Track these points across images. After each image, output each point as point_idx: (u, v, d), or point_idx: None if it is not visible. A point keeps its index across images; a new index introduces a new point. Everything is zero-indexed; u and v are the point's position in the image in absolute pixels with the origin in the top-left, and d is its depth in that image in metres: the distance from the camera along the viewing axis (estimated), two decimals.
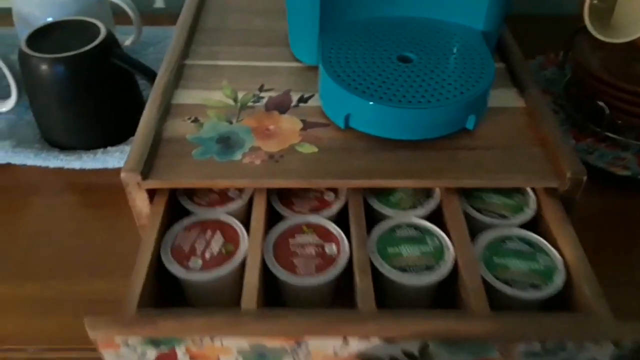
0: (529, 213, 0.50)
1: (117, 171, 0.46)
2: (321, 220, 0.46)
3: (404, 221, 0.47)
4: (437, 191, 0.51)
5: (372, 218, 0.48)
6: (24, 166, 0.66)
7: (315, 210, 0.49)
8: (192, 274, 0.42)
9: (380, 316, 0.37)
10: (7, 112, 0.70)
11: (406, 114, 0.49)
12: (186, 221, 0.47)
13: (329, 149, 0.50)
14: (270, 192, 0.50)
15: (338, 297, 0.46)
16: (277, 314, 0.36)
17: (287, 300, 0.45)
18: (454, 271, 0.43)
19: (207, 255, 0.43)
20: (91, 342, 0.48)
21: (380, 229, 0.46)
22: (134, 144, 0.49)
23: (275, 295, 0.45)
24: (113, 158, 0.65)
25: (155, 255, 0.43)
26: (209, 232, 0.45)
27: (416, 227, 0.47)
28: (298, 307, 0.45)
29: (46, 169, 0.65)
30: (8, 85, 0.67)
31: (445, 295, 0.45)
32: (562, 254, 0.45)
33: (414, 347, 0.36)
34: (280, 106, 0.55)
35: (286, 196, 0.51)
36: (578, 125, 0.69)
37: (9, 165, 0.66)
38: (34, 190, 0.64)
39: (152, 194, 0.48)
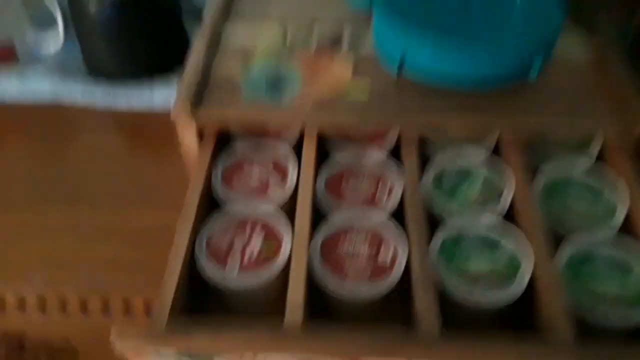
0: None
1: (164, 111, 0.46)
2: (374, 221, 0.42)
3: (471, 224, 0.42)
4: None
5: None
6: (73, 103, 0.66)
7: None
8: (229, 280, 0.38)
9: (449, 342, 0.33)
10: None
11: (466, 55, 0.46)
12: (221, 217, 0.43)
13: (382, 96, 0.49)
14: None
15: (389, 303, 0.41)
16: (329, 330, 0.32)
17: (330, 309, 0.41)
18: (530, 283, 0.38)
19: (246, 258, 0.39)
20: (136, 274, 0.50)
21: (444, 232, 0.41)
22: (183, 81, 0.49)
23: (315, 300, 0.39)
24: (159, 96, 0.65)
25: (189, 253, 0.39)
26: (248, 229, 0.41)
27: (486, 235, 0.41)
28: (343, 316, 0.42)
29: (93, 109, 0.66)
30: (55, 22, 0.68)
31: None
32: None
33: None
34: (332, 50, 0.53)
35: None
36: None
37: (57, 103, 0.66)
38: (82, 125, 0.65)
39: (200, 135, 0.48)
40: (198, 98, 0.47)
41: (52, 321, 0.53)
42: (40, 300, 0.52)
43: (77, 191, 0.57)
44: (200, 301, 0.42)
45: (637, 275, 0.39)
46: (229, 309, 0.42)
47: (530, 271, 0.38)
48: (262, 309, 0.42)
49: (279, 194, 0.44)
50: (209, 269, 0.39)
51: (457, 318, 0.39)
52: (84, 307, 0.53)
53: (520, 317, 0.40)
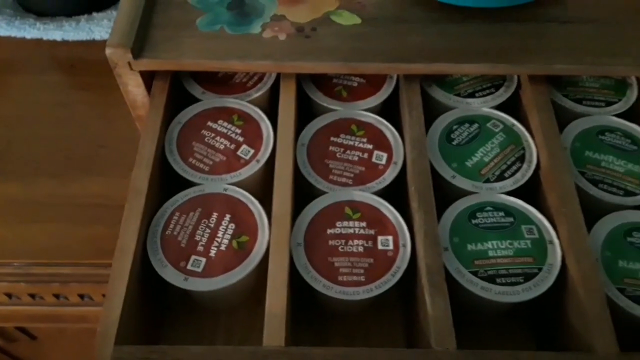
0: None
1: (105, 44, 0.35)
2: (370, 198, 0.34)
3: (487, 200, 0.34)
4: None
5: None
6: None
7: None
8: (192, 282, 0.30)
9: None
10: None
11: None
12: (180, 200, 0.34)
13: (376, 20, 0.38)
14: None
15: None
16: (312, 358, 0.26)
17: (322, 307, 0.35)
18: (562, 270, 0.31)
19: (213, 252, 0.31)
20: (85, 256, 0.42)
21: (453, 210, 0.33)
22: (121, 9, 0.37)
23: (305, 294, 0.32)
24: (100, 27, 0.53)
25: (140, 254, 0.31)
26: (214, 216, 0.32)
27: (505, 210, 0.33)
28: (334, 315, 0.36)
29: (22, 40, 0.53)
30: None
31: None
32: None
33: None
34: None
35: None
36: None
37: None
38: (10, 67, 0.53)
39: (149, 76, 0.37)
40: (140, 34, 0.36)
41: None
42: None
43: (7, 157, 0.46)
44: (159, 295, 0.35)
45: None
46: (196, 303, 0.35)
47: (560, 260, 0.32)
48: (237, 303, 0.35)
49: (250, 165, 0.35)
50: (166, 273, 0.31)
51: (467, 317, 0.33)
52: (31, 294, 0.45)
53: (543, 312, 0.34)
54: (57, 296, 0.48)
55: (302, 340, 0.34)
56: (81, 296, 0.47)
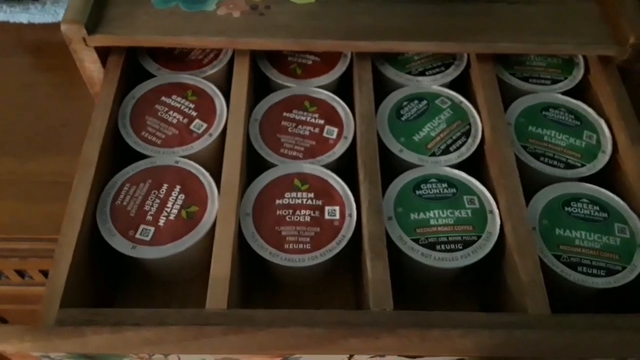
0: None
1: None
2: (319, 170, 0.35)
3: (431, 172, 0.35)
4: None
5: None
6: None
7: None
8: (140, 250, 0.31)
9: (401, 323, 0.28)
10: None
11: None
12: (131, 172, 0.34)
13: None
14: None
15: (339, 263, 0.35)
16: (255, 320, 0.27)
17: (272, 274, 0.36)
18: (500, 238, 0.33)
19: (162, 222, 0.32)
20: (47, 232, 0.42)
21: (399, 182, 0.34)
22: None
23: (255, 262, 0.33)
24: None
25: (90, 217, 0.32)
26: (164, 187, 0.33)
27: (448, 182, 0.35)
28: (287, 283, 0.36)
29: None
30: None
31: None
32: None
33: None
34: None
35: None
36: None
37: None
38: None
39: (105, 53, 0.38)
40: (95, 11, 0.37)
41: None
42: None
43: None
44: (110, 265, 0.35)
45: (617, 228, 0.34)
46: (147, 273, 0.36)
47: (498, 228, 0.33)
48: (187, 272, 0.36)
49: (202, 139, 0.36)
50: (115, 241, 0.32)
51: (411, 283, 0.34)
52: None
53: (486, 278, 0.35)
54: (22, 275, 0.48)
55: (253, 307, 0.35)
56: (45, 274, 0.48)
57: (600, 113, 0.38)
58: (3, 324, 0.62)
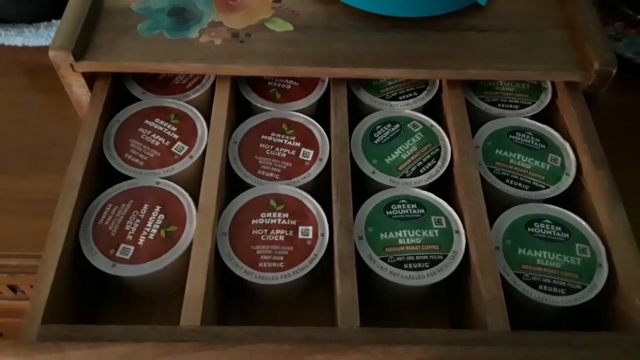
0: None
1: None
2: (294, 192, 0.36)
3: (401, 194, 0.37)
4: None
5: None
6: None
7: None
8: (120, 268, 0.33)
9: (366, 340, 0.29)
10: None
11: None
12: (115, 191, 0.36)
13: (308, 28, 0.41)
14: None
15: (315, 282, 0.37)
16: (225, 337, 0.28)
17: (249, 293, 0.37)
18: (465, 257, 0.34)
19: (141, 241, 0.33)
20: (36, 248, 0.44)
21: (371, 202, 0.36)
22: (66, 15, 0.40)
23: (231, 280, 0.35)
24: None
25: (73, 236, 0.33)
26: (145, 207, 0.35)
27: (417, 202, 0.36)
28: (263, 301, 0.38)
29: None
30: None
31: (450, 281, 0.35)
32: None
33: None
34: None
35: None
36: (607, 5, 0.58)
37: None
38: None
39: (92, 78, 0.40)
40: (83, 38, 0.39)
41: None
42: None
43: None
44: (93, 283, 0.37)
45: (579, 248, 0.35)
46: (129, 291, 0.37)
47: (464, 247, 0.34)
48: (167, 290, 0.37)
49: (183, 160, 0.38)
50: (96, 259, 0.33)
51: (382, 301, 0.35)
52: None
53: (454, 296, 0.37)
54: (13, 290, 0.50)
55: (230, 324, 0.37)
56: None
57: (566, 137, 0.40)
58: None
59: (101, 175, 0.37)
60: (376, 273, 0.33)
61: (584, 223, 0.36)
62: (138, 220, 0.35)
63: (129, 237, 0.34)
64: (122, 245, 0.34)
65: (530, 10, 0.43)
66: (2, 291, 0.50)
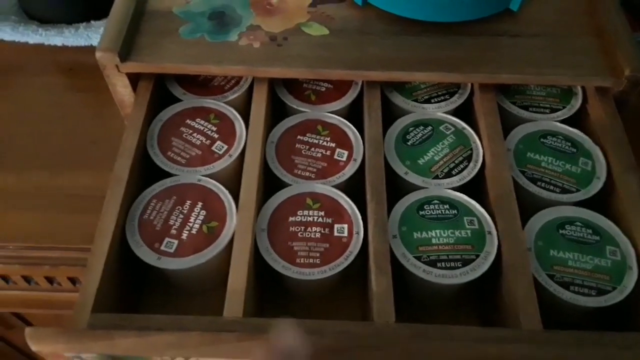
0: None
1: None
2: (330, 191, 0.37)
3: (434, 194, 0.37)
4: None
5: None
6: (1, 42, 0.58)
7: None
8: (165, 261, 0.34)
9: (402, 335, 0.30)
10: None
11: None
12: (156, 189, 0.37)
13: (342, 31, 0.42)
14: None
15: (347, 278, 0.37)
16: (267, 328, 0.28)
17: (286, 287, 0.38)
18: (497, 257, 0.35)
19: (185, 235, 0.35)
20: (76, 242, 0.46)
21: (404, 202, 0.37)
22: (111, 17, 0.41)
23: (268, 274, 0.36)
24: (97, 34, 0.57)
25: (120, 230, 0.35)
26: (188, 203, 0.36)
27: (450, 203, 0.37)
28: (298, 295, 0.39)
29: (25, 45, 0.58)
30: None
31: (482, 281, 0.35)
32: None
33: None
34: None
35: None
36: (632, 12, 0.58)
37: None
38: (13, 68, 0.57)
39: (135, 78, 0.41)
40: (128, 40, 0.40)
41: None
42: None
43: (5, 150, 0.50)
44: (137, 275, 0.38)
45: (609, 250, 0.36)
46: (170, 283, 0.39)
47: (496, 248, 0.35)
48: (206, 284, 0.38)
49: (223, 159, 0.39)
50: (141, 252, 0.35)
51: (414, 298, 0.36)
52: (26, 278, 0.49)
53: (485, 295, 0.38)
54: (50, 282, 0.52)
55: (268, 316, 0.38)
56: (72, 282, 0.51)
57: (596, 141, 0.41)
58: (28, 326, 0.66)
59: (145, 171, 0.39)
60: (410, 271, 0.34)
61: (614, 226, 0.37)
62: (181, 216, 0.36)
63: (173, 231, 0.35)
64: (167, 239, 0.35)
65: (560, 17, 0.44)
66: (38, 282, 0.52)
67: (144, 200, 0.37)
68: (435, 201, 0.37)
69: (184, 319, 0.31)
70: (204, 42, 0.41)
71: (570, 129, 0.41)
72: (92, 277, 0.32)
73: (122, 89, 0.42)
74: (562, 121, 0.42)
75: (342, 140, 0.41)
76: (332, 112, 0.42)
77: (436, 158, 0.39)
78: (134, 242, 0.35)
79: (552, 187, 0.38)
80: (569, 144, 0.41)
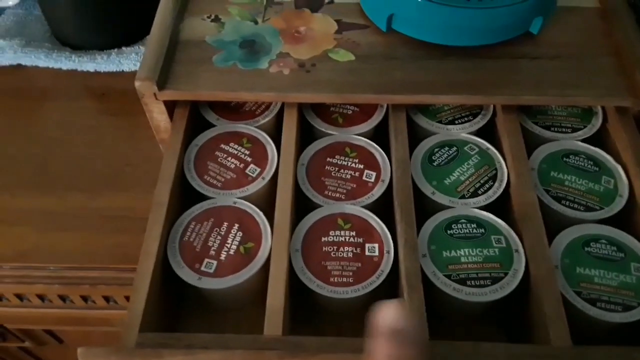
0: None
1: (133, 75, 0.41)
2: (360, 211, 0.39)
3: (461, 213, 0.39)
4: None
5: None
6: (36, 67, 0.61)
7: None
8: (205, 281, 0.36)
9: (434, 351, 0.31)
10: (15, 7, 0.64)
11: (459, 14, 0.41)
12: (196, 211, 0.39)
13: (368, 57, 0.44)
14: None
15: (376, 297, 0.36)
16: (306, 346, 0.30)
17: (317, 304, 0.39)
18: (525, 275, 0.36)
19: (223, 256, 0.37)
20: (111, 262, 0.47)
21: (432, 222, 0.38)
22: (148, 47, 0.43)
23: (302, 293, 0.37)
24: (128, 60, 0.59)
25: (162, 250, 0.37)
26: (225, 225, 0.38)
27: (477, 222, 0.38)
28: (330, 313, 0.40)
29: (59, 70, 0.60)
30: None
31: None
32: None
33: None
34: (312, 3, 0.48)
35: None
36: None
37: (19, 66, 0.61)
38: (48, 94, 0.60)
39: (171, 105, 0.43)
40: (164, 69, 0.42)
41: (31, 312, 0.51)
42: (16, 293, 0.50)
43: (44, 173, 0.53)
44: (178, 294, 0.40)
45: (634, 267, 0.37)
46: (209, 302, 0.40)
47: (524, 266, 0.36)
48: (241, 301, 0.40)
49: (256, 182, 0.41)
50: (183, 273, 0.36)
51: (443, 316, 0.37)
52: (61, 297, 0.51)
53: (513, 312, 0.39)
54: (85, 300, 0.54)
55: (301, 334, 0.39)
56: (107, 300, 0.53)
57: (618, 159, 0.42)
58: (59, 343, 0.68)
59: (183, 195, 0.40)
60: (440, 289, 0.36)
61: (638, 243, 0.38)
62: (219, 237, 0.38)
63: (212, 252, 0.37)
64: (207, 260, 0.37)
65: (579, 39, 0.45)
66: (74, 300, 0.54)
67: (183, 222, 0.38)
68: (463, 220, 0.39)
69: (226, 337, 0.33)
70: (236, 69, 0.43)
71: (592, 147, 0.43)
72: (139, 297, 0.34)
73: (158, 116, 0.44)
74: (584, 140, 0.43)
75: (370, 162, 0.42)
76: (358, 134, 0.44)
77: (462, 178, 0.41)
78: (175, 263, 0.37)
79: (576, 206, 0.39)
80: (591, 162, 0.42)
